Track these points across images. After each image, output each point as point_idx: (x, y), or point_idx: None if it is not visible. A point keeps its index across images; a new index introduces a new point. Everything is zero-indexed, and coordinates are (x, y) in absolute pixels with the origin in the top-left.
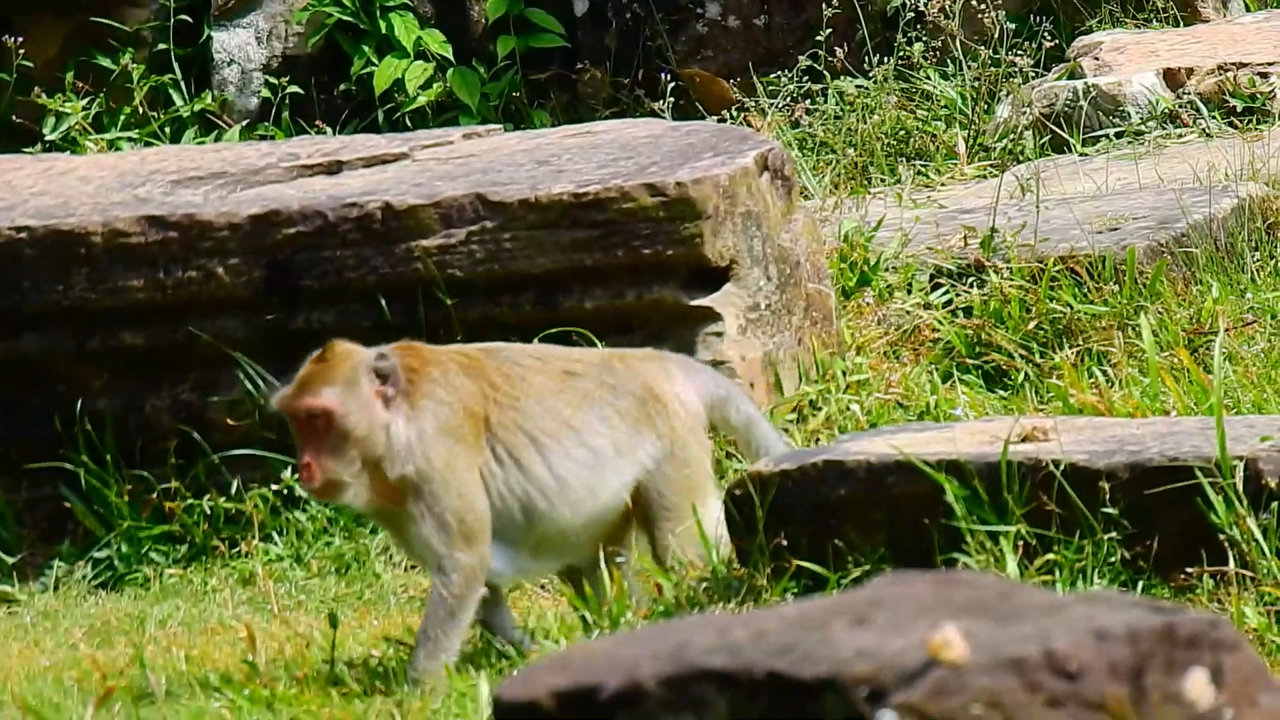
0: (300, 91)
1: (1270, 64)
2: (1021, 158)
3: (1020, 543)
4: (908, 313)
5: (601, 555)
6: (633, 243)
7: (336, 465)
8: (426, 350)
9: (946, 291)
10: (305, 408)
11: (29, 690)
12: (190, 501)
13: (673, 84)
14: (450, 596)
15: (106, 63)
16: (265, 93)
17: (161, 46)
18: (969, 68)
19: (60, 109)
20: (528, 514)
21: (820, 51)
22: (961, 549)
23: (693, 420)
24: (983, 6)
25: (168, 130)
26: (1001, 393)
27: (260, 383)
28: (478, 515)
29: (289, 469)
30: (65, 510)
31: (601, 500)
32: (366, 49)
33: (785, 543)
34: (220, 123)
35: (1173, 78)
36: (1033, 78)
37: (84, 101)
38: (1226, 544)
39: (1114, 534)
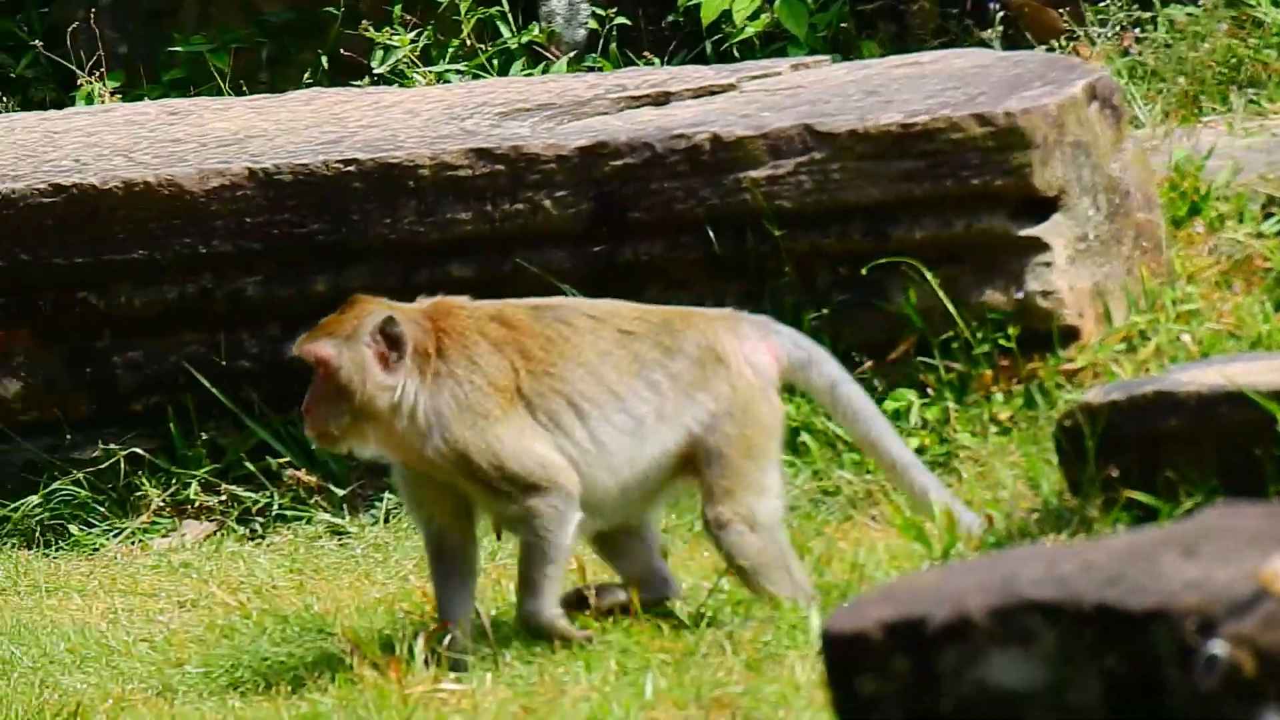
0: (627, 23)
1: None
2: None
3: None
4: (1239, 242)
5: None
6: (961, 173)
7: (328, 416)
8: (458, 317)
9: (1279, 221)
10: (305, 354)
11: (360, 623)
12: None
13: (1001, 13)
14: (538, 543)
15: None
16: (592, 24)
17: None
18: None
19: (388, 42)
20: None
21: None
22: None
23: (762, 382)
24: None
25: (495, 63)
26: None
27: None
28: (530, 467)
29: None
30: None
31: (641, 467)
32: None
33: (1116, 473)
34: (547, 54)
35: None
36: None
37: (412, 34)
38: None
39: None
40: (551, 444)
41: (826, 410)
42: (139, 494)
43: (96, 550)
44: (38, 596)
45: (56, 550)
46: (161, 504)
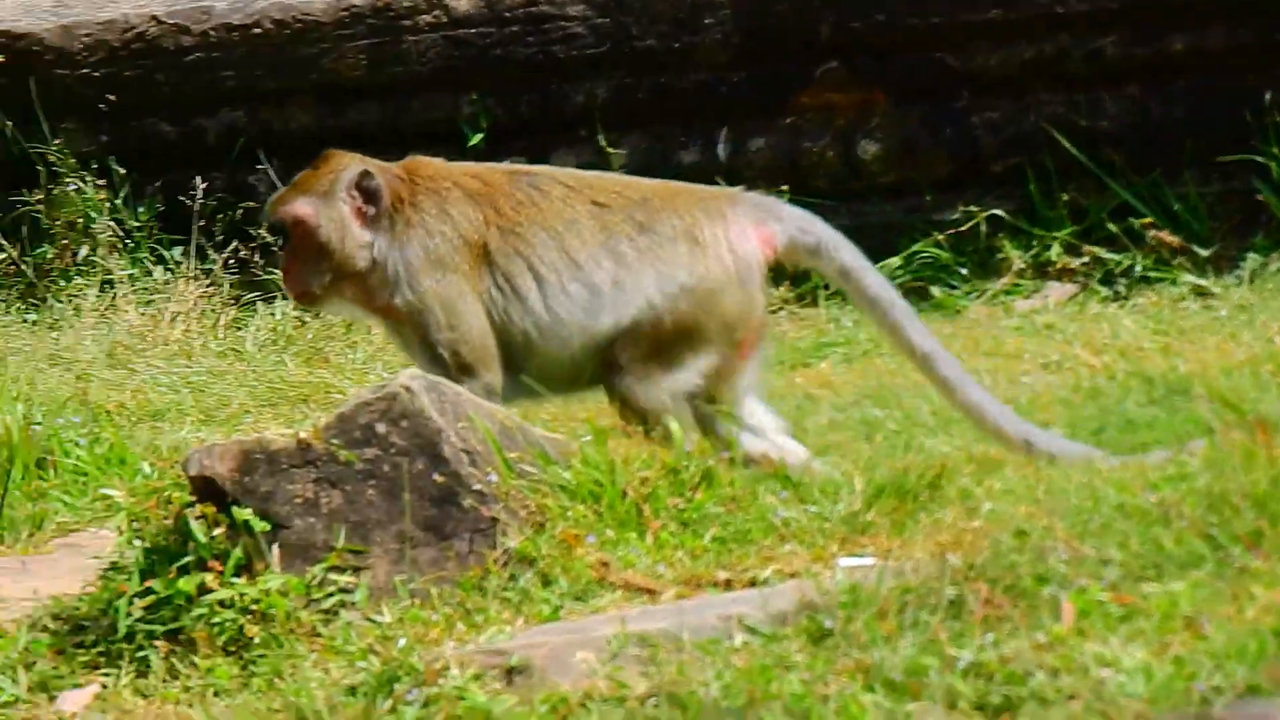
0: None
1: None
2: None
3: None
4: None
5: None
6: None
7: (309, 275)
8: (431, 171)
9: None
10: (281, 215)
11: (1225, 384)
12: None
13: None
14: None
15: None
16: None
17: None
18: None
19: None
20: (524, 342)
21: None
22: None
23: (741, 269)
24: None
25: None
26: None
27: None
28: (473, 345)
29: None
30: (1258, 203)
31: (595, 336)
32: None
33: None
34: None
35: None
36: None
37: None
38: None
39: None
40: (492, 331)
41: (850, 299)
42: (1000, 256)
43: (958, 312)
44: (901, 358)
45: (919, 311)
46: (1023, 265)
